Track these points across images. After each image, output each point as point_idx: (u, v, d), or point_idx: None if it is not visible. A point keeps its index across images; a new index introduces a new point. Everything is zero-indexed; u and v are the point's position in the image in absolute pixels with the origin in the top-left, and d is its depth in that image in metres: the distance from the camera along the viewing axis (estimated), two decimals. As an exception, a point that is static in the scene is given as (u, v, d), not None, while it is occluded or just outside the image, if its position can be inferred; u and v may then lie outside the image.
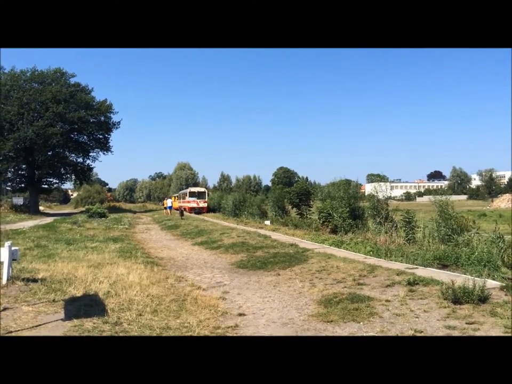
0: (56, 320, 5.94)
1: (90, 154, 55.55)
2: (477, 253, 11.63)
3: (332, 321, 6.63)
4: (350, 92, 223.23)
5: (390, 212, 22.33)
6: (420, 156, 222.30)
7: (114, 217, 35.22)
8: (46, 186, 55.64)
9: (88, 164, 56.60)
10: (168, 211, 46.66)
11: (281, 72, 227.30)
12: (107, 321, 6.08)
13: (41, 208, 71.68)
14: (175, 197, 63.25)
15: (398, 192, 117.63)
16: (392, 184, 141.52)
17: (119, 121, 56.11)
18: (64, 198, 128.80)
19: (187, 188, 66.65)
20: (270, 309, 7.62)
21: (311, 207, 30.30)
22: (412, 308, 6.96)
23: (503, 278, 10.27)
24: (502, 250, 13.23)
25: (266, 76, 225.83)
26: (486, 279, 8.22)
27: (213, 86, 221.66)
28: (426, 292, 7.70)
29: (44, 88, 48.30)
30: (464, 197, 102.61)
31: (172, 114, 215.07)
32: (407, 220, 18.57)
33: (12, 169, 51.27)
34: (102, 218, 33.74)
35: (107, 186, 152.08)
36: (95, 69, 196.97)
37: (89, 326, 5.75)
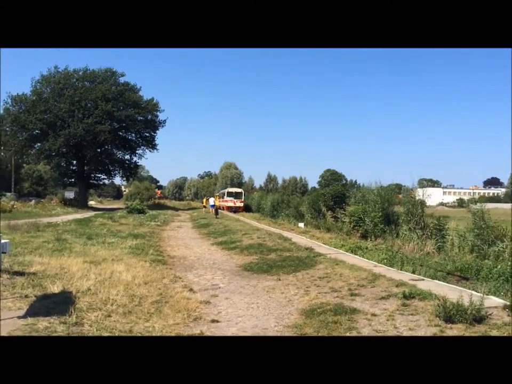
0: (12, 318, 5.83)
1: (137, 151, 57.19)
2: (499, 266, 10.66)
3: (305, 334, 6.15)
4: (406, 97, 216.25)
5: (425, 218, 21.21)
6: (478, 162, 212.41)
7: (152, 214, 35.82)
8: (94, 181, 57.72)
9: (135, 161, 58.31)
10: (211, 210, 46.24)
11: (334, 74, 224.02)
12: (65, 321, 5.90)
13: (92, 202, 74.86)
14: (217, 196, 64.13)
15: (450, 199, 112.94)
16: (445, 190, 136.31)
17: (165, 120, 57.41)
18: (117, 194, 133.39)
19: (232, 187, 68.93)
20: (249, 316, 7.23)
21: (346, 210, 29.38)
22: (397, 325, 6.34)
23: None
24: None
25: (316, 79, 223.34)
26: (491, 297, 7.45)
27: (263, 89, 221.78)
28: (420, 307, 7.02)
29: (95, 86, 50.03)
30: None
31: (223, 115, 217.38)
32: (438, 227, 17.54)
33: (64, 164, 53.49)
34: (140, 214, 34.39)
35: (158, 184, 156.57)
36: (146, 69, 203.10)
37: (41, 326, 5.58)
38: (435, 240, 16.94)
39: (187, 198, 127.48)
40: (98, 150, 51.92)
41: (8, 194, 53.96)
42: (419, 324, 6.32)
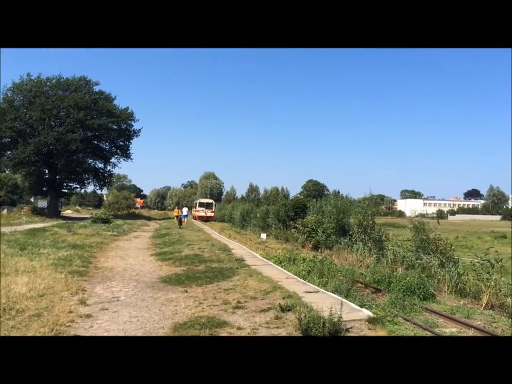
0: None
1: (110, 160, 56.78)
2: (408, 278, 10.65)
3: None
4: (391, 106, 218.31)
5: (376, 230, 21.22)
6: (459, 174, 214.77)
7: (116, 224, 35.40)
8: (66, 190, 57.14)
9: (109, 169, 57.85)
10: (184, 220, 44.25)
11: (318, 86, 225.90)
12: None
13: (69, 211, 73.97)
14: (192, 206, 64.73)
15: (430, 210, 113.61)
16: (426, 201, 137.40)
17: (140, 129, 57.09)
18: (99, 203, 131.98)
19: (211, 197, 70.31)
20: (118, 331, 7.04)
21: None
22: (254, 339, 6.23)
23: (421, 308, 9.36)
24: (456, 277, 12.23)
25: (296, 90, 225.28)
26: (362, 309, 7.40)
27: (249, 98, 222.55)
28: (290, 320, 6.94)
29: (67, 95, 49.66)
30: (498, 217, 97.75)
31: (206, 124, 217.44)
32: (377, 238, 17.56)
33: (35, 173, 52.69)
34: (104, 224, 33.92)
35: (142, 193, 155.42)
36: (129, 76, 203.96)
37: None
38: (374, 251, 16.96)
39: (169, 207, 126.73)
40: (70, 158, 51.25)
41: (-22, 202, 53.04)
42: (276, 338, 6.22)
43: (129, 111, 55.74)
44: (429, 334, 7.25)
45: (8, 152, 49.70)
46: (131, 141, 56.87)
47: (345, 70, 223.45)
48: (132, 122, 56.19)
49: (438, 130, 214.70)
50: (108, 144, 56.11)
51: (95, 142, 54.80)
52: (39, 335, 6.41)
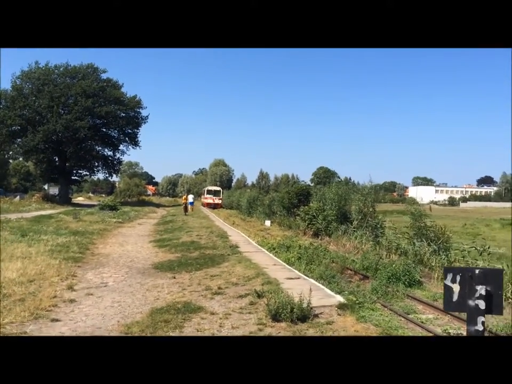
0: None
1: (119, 148, 57.23)
2: (394, 265, 10.70)
3: (128, 333, 6.19)
4: (402, 95, 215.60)
5: (375, 217, 21.20)
6: (473, 160, 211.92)
7: (123, 211, 35.81)
8: (76, 177, 57.78)
9: (118, 157, 58.30)
10: (190, 207, 40.45)
11: (329, 73, 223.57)
12: None
13: (80, 198, 74.99)
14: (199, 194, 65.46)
15: (442, 197, 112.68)
16: (437, 188, 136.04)
17: (147, 116, 57.33)
18: (111, 190, 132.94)
19: (221, 184, 71.01)
20: (97, 315, 7.24)
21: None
22: (224, 324, 6.40)
23: (403, 294, 9.44)
24: (446, 264, 12.27)
25: (311, 78, 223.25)
26: (336, 295, 7.49)
27: (262, 87, 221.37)
28: (263, 305, 7.05)
29: (75, 82, 49.97)
30: (510, 204, 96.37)
31: (219, 112, 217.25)
32: (374, 225, 17.56)
33: (45, 160, 53.19)
34: (111, 211, 34.30)
35: (154, 180, 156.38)
36: (145, 67, 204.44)
37: None
38: (370, 239, 17.00)
39: (180, 194, 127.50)
40: (79, 146, 51.70)
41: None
42: (246, 323, 6.38)
43: (137, 98, 55.98)
44: (403, 320, 7.35)
45: (18, 140, 50.49)
46: (139, 128, 57.24)
47: (355, 61, 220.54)
48: (140, 110, 56.60)
49: (452, 118, 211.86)
50: (116, 131, 56.46)
51: (104, 129, 55.23)
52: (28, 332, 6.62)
